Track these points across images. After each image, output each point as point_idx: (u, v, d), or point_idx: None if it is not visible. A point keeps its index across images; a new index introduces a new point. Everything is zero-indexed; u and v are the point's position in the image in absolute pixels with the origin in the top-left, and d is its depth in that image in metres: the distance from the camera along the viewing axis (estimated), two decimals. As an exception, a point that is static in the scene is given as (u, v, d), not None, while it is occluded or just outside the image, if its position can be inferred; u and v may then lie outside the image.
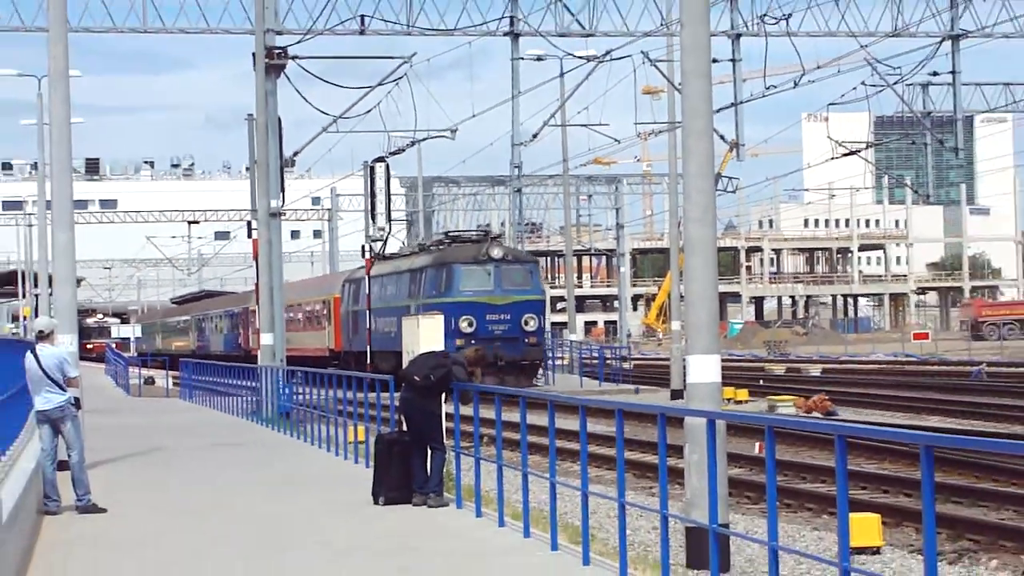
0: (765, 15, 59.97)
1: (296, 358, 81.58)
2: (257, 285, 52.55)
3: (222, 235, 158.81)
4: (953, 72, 64.46)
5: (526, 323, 62.00)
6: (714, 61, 25.29)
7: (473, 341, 56.26)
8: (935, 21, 62.12)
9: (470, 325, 61.48)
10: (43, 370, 23.89)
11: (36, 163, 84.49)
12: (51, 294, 39.11)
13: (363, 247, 68.57)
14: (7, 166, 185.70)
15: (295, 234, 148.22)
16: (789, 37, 60.65)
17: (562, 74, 67.72)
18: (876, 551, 21.22)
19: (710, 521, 15.61)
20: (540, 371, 69.01)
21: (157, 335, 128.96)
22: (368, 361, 69.40)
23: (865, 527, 21.13)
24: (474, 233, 70.59)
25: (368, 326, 70.46)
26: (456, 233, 70.30)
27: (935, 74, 65.34)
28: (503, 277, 63.02)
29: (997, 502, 25.70)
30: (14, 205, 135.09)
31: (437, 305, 58.31)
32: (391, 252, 79.25)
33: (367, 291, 71.16)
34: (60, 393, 23.99)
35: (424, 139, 66.41)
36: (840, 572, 12.21)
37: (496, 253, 62.66)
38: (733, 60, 61.45)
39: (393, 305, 69.54)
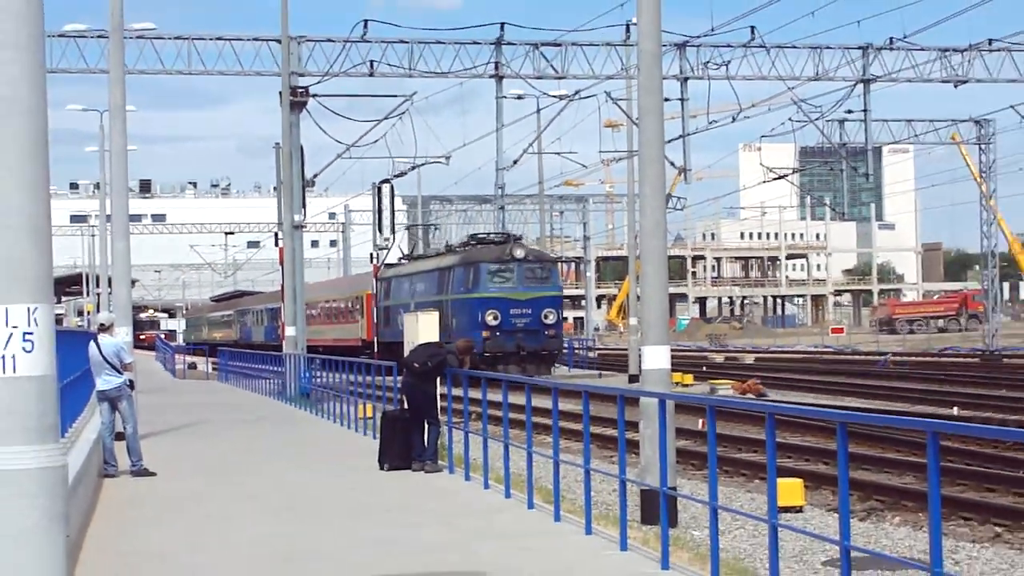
0: (708, 62, 60.27)
1: (331, 347, 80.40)
2: (283, 286, 52.74)
3: (253, 244, 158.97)
4: (864, 110, 64.45)
5: (545, 316, 59.16)
6: (665, 100, 25.17)
7: (498, 333, 57.84)
8: (849, 68, 62.17)
9: (495, 318, 58.65)
10: (103, 356, 24.04)
11: (98, 183, 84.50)
12: (110, 293, 39.09)
13: (371, 254, 68.66)
14: (74, 185, 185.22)
15: (315, 243, 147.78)
16: (728, 80, 60.81)
17: (538, 110, 67.98)
18: (799, 510, 21.24)
19: (661, 485, 15.64)
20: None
21: (203, 327, 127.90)
22: (375, 350, 67.50)
23: (790, 490, 21.15)
24: (497, 236, 65.96)
25: (376, 320, 70.20)
26: (481, 235, 66.27)
27: (849, 112, 65.33)
28: (525, 275, 60.03)
29: (900, 469, 25.79)
30: (80, 219, 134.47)
31: (465, 300, 59.07)
32: (418, 254, 77.90)
33: (387, 288, 70.76)
34: (117, 376, 24.09)
35: (423, 164, 66.26)
36: (769, 527, 12.26)
37: (519, 253, 59.97)
38: (682, 99, 61.41)
39: (422, 300, 64.16)
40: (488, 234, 67.55)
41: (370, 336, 74.86)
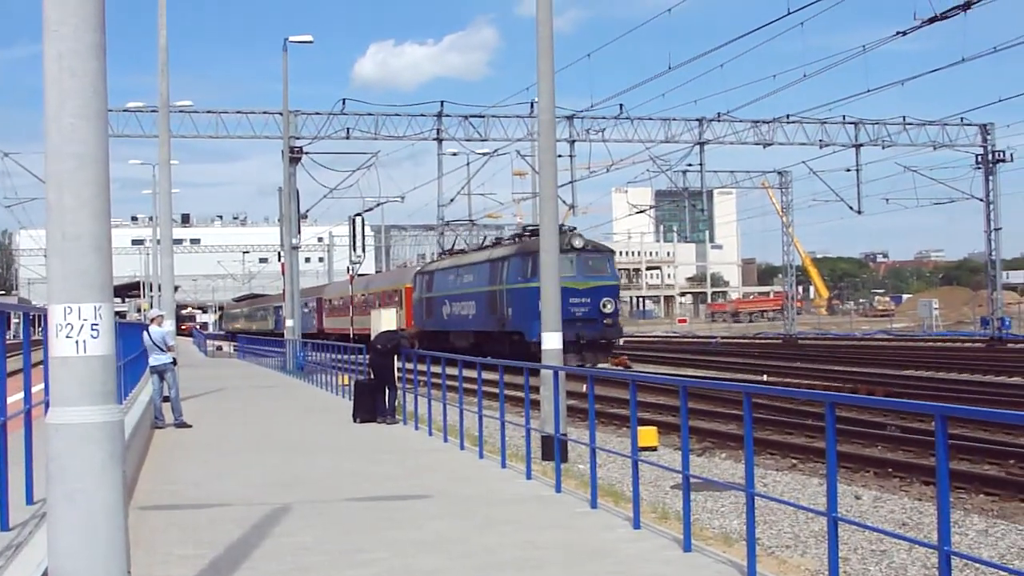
0: (589, 129, 60.65)
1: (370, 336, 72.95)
2: (284, 290, 52.92)
3: (263, 260, 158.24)
4: (701, 164, 64.74)
5: (604, 306, 46.36)
6: (558, 156, 25.17)
7: None
8: (689, 134, 62.58)
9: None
10: (153, 341, 24.39)
11: (151, 216, 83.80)
12: (159, 295, 38.83)
13: (347, 267, 68.31)
14: (134, 217, 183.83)
15: (307, 260, 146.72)
16: (603, 142, 61.29)
17: (468, 163, 67.68)
18: (654, 449, 21.28)
19: (555, 432, 15.63)
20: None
21: (240, 319, 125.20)
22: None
23: (647, 435, 21.21)
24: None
25: (418, 311, 59.20)
26: (533, 227, 50.80)
27: (690, 165, 65.59)
28: (584, 264, 47.01)
29: (725, 420, 26.01)
30: (138, 242, 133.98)
31: (524, 289, 46.18)
32: (459, 248, 63.02)
33: (428, 282, 59.66)
34: (164, 355, 24.36)
35: (385, 202, 66.16)
36: (632, 462, 12.26)
37: (577, 243, 47.35)
38: (570, 156, 61.63)
39: (472, 291, 53.13)
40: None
41: (409, 326, 59.37)
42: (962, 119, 63.53)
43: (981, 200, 64.83)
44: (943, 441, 7.25)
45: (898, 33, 38.93)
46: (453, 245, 62.23)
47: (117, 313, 9.10)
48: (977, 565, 11.70)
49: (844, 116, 62.70)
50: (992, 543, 13.17)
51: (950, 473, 7.50)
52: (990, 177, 64.37)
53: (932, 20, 36.50)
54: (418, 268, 65.50)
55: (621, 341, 50.14)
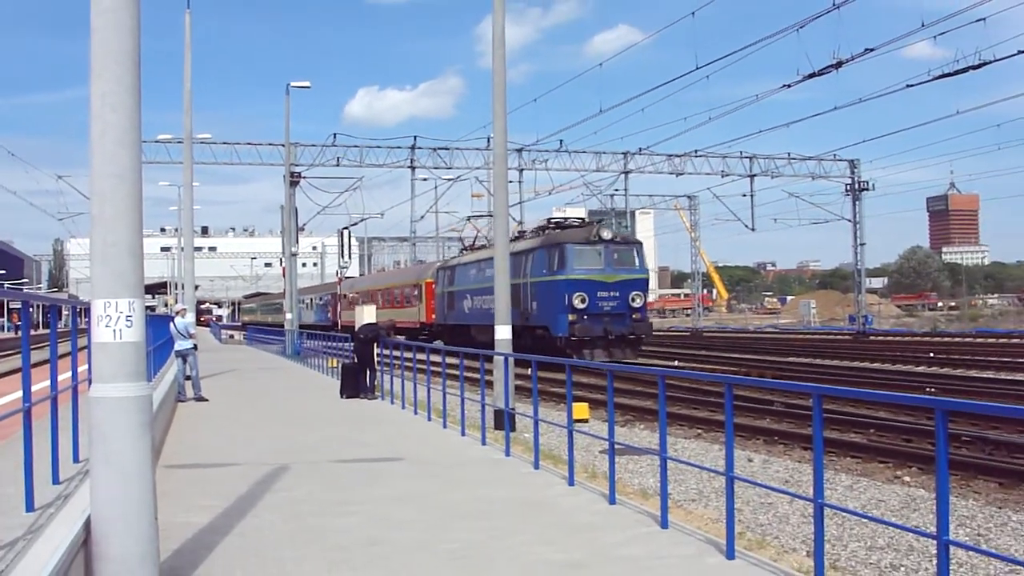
0: (535, 160, 60.64)
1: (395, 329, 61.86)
2: (285, 290, 52.65)
3: (268, 264, 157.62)
4: (625, 189, 65.06)
5: (633, 300, 37.62)
6: (510, 182, 25.19)
7: (585, 316, 36.79)
8: (616, 164, 62.71)
9: (583, 301, 37.00)
10: (178, 330, 24.22)
11: (177, 227, 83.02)
12: (183, 293, 38.59)
13: (336, 271, 67.92)
14: (163, 229, 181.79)
15: (304, 264, 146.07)
16: (547, 171, 61.26)
17: (436, 187, 67.45)
18: (586, 421, 21.34)
19: (505, 406, 15.64)
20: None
21: (257, 312, 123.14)
22: (431, 332, 52.88)
23: (581, 410, 21.25)
24: (575, 220, 43.18)
25: (440, 305, 49.98)
26: (558, 219, 43.12)
27: (616, 190, 65.94)
28: (612, 256, 38.22)
29: (644, 397, 26.01)
30: (166, 248, 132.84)
31: (549, 283, 38.04)
32: (480, 244, 52.40)
33: (450, 276, 50.43)
34: (187, 341, 24.20)
35: (367, 218, 65.86)
36: (567, 432, 12.27)
37: (606, 234, 38.60)
38: (520, 181, 61.72)
39: (492, 286, 34.68)
40: (565, 218, 43.17)
41: (429, 319, 55.08)
42: (835, 155, 64.15)
43: (850, 221, 65.39)
44: (819, 415, 7.33)
45: (784, 85, 39.19)
46: (474, 241, 52.76)
47: (148, 307, 9.06)
48: (844, 514, 11.78)
49: (741, 151, 63.03)
50: (856, 496, 13.28)
51: (824, 440, 7.56)
52: (856, 202, 64.95)
53: (811, 76, 36.79)
54: (439, 263, 57.92)
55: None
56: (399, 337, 50.69)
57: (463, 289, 47.93)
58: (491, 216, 46.34)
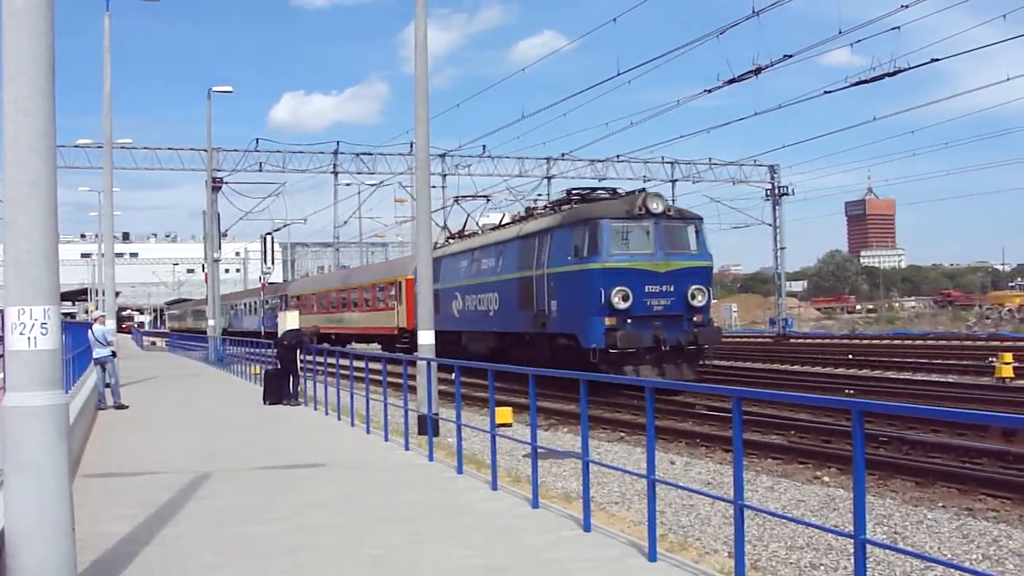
0: (458, 165, 60.72)
1: (363, 337, 50.79)
2: (207, 295, 52.14)
3: (191, 270, 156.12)
4: (548, 194, 65.19)
5: (692, 296, 26.04)
6: (432, 187, 25.15)
7: (629, 320, 25.50)
8: (539, 170, 63.14)
9: (625, 299, 25.42)
10: (96, 338, 23.93)
11: (97, 233, 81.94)
12: (103, 299, 38.08)
13: (259, 276, 67.48)
14: (83, 235, 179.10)
15: (227, 271, 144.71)
16: (470, 176, 61.37)
17: (359, 192, 66.94)
18: (509, 425, 21.33)
19: (428, 411, 15.63)
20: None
21: (187, 319, 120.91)
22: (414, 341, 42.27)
23: (504, 414, 21.23)
24: (605, 191, 30.66)
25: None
26: (580, 191, 30.87)
27: (539, 195, 65.76)
28: (665, 237, 26.35)
29: (567, 401, 25.94)
30: (86, 255, 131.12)
31: (577, 274, 26.45)
32: (472, 231, 39.55)
33: (434, 271, 31.28)
34: (106, 349, 23.87)
35: (291, 223, 65.50)
36: (490, 436, 12.28)
37: (655, 206, 26.22)
38: (443, 187, 61.68)
39: (493, 279, 31.64)
40: (594, 189, 31.54)
41: (411, 324, 41.54)
42: (755, 160, 64.85)
43: (770, 225, 66.17)
44: (739, 417, 7.40)
45: (705, 91, 39.47)
46: (464, 226, 40.57)
47: (67, 314, 8.92)
48: (764, 515, 11.91)
49: (663, 156, 63.69)
50: (776, 497, 13.43)
51: (745, 442, 7.64)
52: (776, 207, 65.75)
53: (731, 81, 37.11)
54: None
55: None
56: (374, 346, 49.03)
57: (451, 287, 35.90)
58: (486, 199, 44.35)
